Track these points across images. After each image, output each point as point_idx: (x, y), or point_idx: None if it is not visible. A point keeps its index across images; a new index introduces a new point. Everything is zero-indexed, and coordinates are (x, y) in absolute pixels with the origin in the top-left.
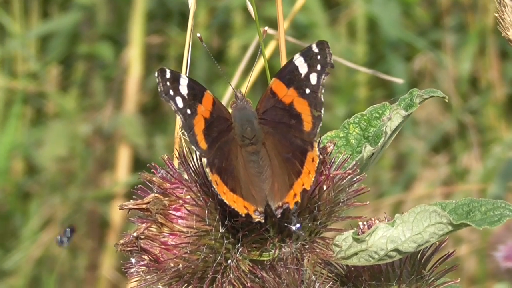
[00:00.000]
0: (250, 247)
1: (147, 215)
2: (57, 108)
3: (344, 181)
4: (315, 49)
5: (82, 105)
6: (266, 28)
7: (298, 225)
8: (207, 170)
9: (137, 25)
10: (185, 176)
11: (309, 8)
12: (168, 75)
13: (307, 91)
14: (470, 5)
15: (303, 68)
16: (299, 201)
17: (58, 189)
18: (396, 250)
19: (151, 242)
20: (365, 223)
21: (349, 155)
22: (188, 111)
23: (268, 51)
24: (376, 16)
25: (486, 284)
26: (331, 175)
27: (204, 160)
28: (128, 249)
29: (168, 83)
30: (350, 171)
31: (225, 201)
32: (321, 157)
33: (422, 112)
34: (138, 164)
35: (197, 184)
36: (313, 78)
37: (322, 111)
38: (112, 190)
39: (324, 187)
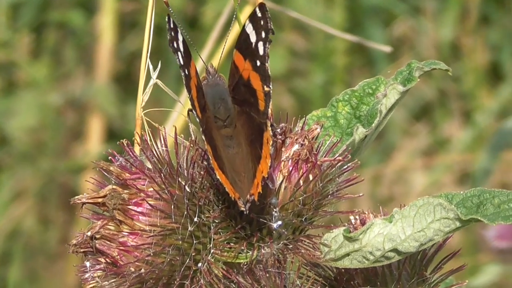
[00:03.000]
0: (224, 247)
1: (104, 210)
2: (28, 77)
3: (334, 169)
4: (258, 13)
5: (53, 75)
6: None
7: (279, 222)
8: (203, 137)
9: None
10: (148, 165)
11: None
12: (171, 24)
13: (258, 63)
14: None
15: (252, 36)
16: (261, 191)
17: (29, 160)
18: (394, 250)
19: (108, 242)
20: (357, 217)
21: (339, 139)
22: (186, 72)
23: (243, 17)
24: None
25: (471, 258)
26: (318, 163)
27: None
28: (82, 250)
29: (172, 33)
30: (340, 158)
31: (219, 177)
32: (306, 142)
33: None
34: (111, 134)
35: (162, 174)
36: (261, 47)
37: (271, 86)
38: (84, 161)
39: (310, 177)
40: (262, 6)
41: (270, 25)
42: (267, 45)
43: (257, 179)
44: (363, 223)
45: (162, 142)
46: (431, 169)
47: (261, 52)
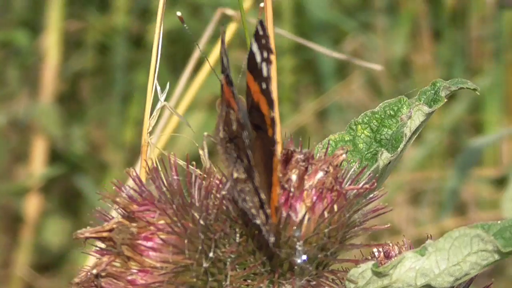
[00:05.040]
0: (241, 285)
1: (109, 245)
2: None
3: (359, 198)
4: (260, 31)
5: None
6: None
7: (304, 257)
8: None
9: (55, 9)
10: (157, 195)
11: None
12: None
13: (264, 85)
14: None
15: (258, 56)
16: (275, 222)
17: None
18: (427, 286)
19: (115, 281)
20: (380, 249)
21: (365, 165)
22: None
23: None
24: None
25: None
26: (343, 192)
27: None
28: None
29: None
30: (367, 186)
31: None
32: (330, 169)
33: (350, 97)
34: (54, 155)
35: (174, 206)
36: (264, 69)
37: (275, 111)
38: (27, 183)
39: (335, 208)
40: (261, 23)
41: (269, 44)
42: (269, 66)
43: (271, 209)
44: (387, 256)
45: (172, 171)
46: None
47: (264, 73)
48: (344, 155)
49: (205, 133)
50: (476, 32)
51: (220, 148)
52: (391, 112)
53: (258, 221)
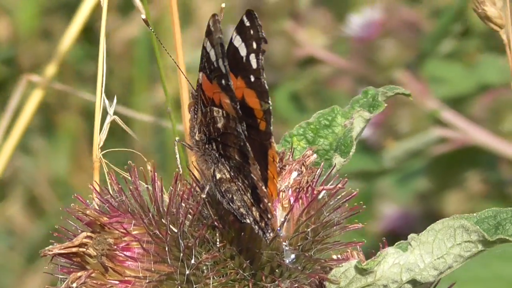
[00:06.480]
0: None
1: (75, 261)
2: None
3: (332, 198)
4: (246, 22)
5: None
6: None
7: (292, 256)
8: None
9: None
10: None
11: None
12: None
13: (252, 78)
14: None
15: (242, 49)
16: (271, 218)
17: None
18: (412, 281)
19: None
20: (339, 255)
21: (334, 165)
22: None
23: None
24: None
25: None
26: (315, 192)
27: None
28: None
29: None
30: (340, 185)
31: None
32: (302, 167)
33: (8, 222)
34: None
35: (149, 214)
36: (253, 61)
37: (270, 101)
38: None
39: (313, 207)
40: (249, 14)
41: (261, 33)
42: (260, 56)
43: (271, 203)
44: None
45: (139, 181)
46: None
47: (254, 65)
48: (314, 155)
49: (176, 138)
50: (139, 145)
51: (198, 150)
52: (325, 122)
53: (248, 220)
